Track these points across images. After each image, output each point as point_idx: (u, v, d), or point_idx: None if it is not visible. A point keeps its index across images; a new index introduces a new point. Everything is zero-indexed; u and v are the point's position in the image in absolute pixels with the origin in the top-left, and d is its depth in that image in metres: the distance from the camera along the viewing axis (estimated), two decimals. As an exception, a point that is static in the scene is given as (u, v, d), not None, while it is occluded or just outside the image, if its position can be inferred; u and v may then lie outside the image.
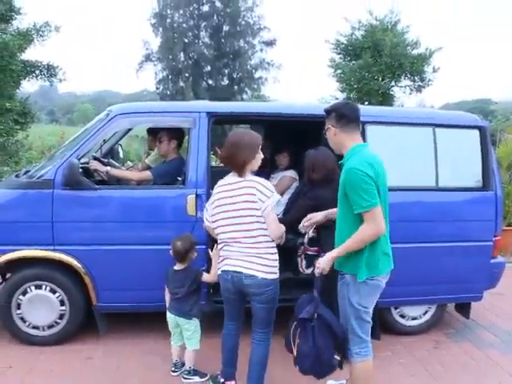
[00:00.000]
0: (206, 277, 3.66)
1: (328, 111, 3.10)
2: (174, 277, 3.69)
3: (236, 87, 34.74)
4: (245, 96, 33.73)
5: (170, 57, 33.39)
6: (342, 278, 3.07)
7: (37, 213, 3.89)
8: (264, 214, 3.01)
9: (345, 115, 3.02)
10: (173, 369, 3.73)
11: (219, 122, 4.48)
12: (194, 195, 3.94)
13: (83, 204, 3.93)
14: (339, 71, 12.10)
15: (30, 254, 3.92)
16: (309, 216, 3.63)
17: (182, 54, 33.68)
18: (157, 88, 35.57)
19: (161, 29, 33.54)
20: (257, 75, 34.88)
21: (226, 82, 34.64)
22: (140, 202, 4.01)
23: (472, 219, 4.40)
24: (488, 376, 3.92)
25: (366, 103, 11.71)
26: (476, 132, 4.44)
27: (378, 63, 11.50)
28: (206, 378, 3.63)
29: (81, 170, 3.98)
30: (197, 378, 3.64)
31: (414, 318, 4.56)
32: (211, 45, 33.47)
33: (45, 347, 4.05)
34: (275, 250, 3.15)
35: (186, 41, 33.47)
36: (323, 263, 2.94)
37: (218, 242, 3.26)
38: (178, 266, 3.68)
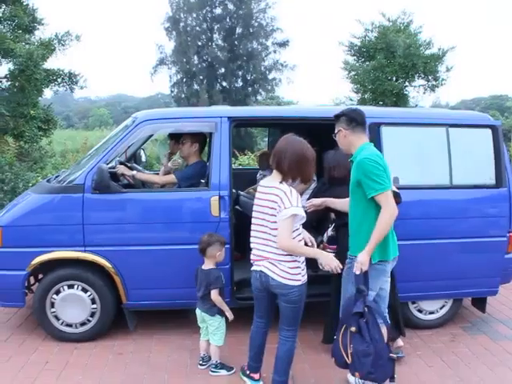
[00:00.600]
0: (214, 294, 3.77)
1: (338, 116, 3.42)
2: (198, 275, 3.88)
3: (250, 89, 34.90)
4: (259, 97, 33.88)
5: (184, 60, 33.66)
6: (350, 261, 3.28)
7: (68, 216, 4.10)
8: (277, 220, 3.10)
9: (354, 119, 3.35)
10: (200, 362, 3.92)
11: (239, 125, 4.66)
12: (218, 197, 4.12)
13: (112, 207, 4.14)
14: (353, 73, 12.23)
15: (63, 255, 4.14)
16: (310, 200, 3.86)
17: (195, 56, 33.94)
18: (171, 91, 35.89)
19: (174, 32, 33.85)
20: (270, 76, 35.02)
21: (240, 83, 34.83)
22: (166, 204, 4.21)
23: (486, 216, 4.53)
24: (502, 366, 4.05)
25: (381, 103, 11.81)
26: (488, 131, 4.56)
27: (391, 64, 11.63)
28: (233, 371, 3.81)
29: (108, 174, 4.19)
30: (224, 372, 3.82)
31: (431, 313, 4.69)
32: (224, 47, 33.67)
33: (78, 343, 4.26)
34: (297, 258, 3.19)
35: (200, 44, 33.74)
36: (364, 259, 3.12)
37: (250, 240, 3.36)
38: (204, 266, 3.86)
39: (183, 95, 34.50)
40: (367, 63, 12.15)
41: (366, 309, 3.12)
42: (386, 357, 3.10)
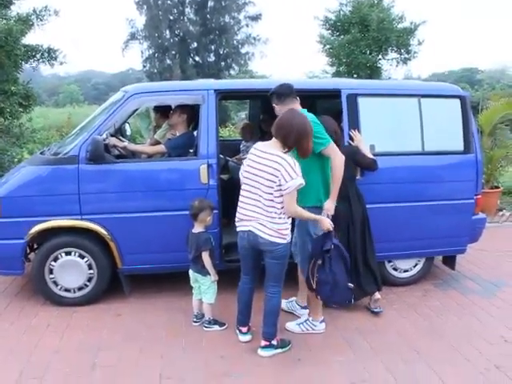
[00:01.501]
0: (204, 255, 4.04)
1: (270, 94, 3.90)
2: (189, 239, 4.14)
3: (223, 63, 34.73)
4: (232, 72, 33.79)
5: (156, 34, 33.21)
6: None
7: (64, 186, 4.31)
8: (283, 193, 3.36)
9: (281, 93, 3.85)
10: (194, 319, 4.21)
11: (224, 98, 4.88)
12: (206, 165, 4.37)
13: (106, 177, 4.35)
14: (328, 46, 12.47)
15: (60, 223, 4.35)
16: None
17: (167, 31, 33.51)
18: (143, 66, 35.39)
19: (145, 6, 33.27)
20: (243, 51, 34.85)
21: (212, 58, 34.59)
22: (157, 172, 4.45)
23: (455, 180, 4.89)
24: (470, 315, 4.45)
25: (355, 76, 12.09)
26: (457, 101, 4.89)
27: (365, 38, 11.91)
28: (225, 326, 4.11)
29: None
30: (216, 327, 4.12)
31: (406, 271, 5.06)
32: (197, 21, 33.33)
33: (76, 307, 4.50)
34: (286, 220, 3.48)
35: (171, 18, 33.28)
36: (330, 206, 3.74)
37: (239, 200, 3.60)
38: (194, 229, 4.13)
39: (156, 70, 34.12)
40: (342, 37, 12.39)
41: (332, 246, 3.62)
42: (342, 286, 3.69)
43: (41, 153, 4.96)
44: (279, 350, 3.71)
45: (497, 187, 8.25)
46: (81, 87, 60.16)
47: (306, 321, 4.10)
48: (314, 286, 3.68)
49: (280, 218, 3.45)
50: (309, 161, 3.64)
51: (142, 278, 4.88)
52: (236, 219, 3.64)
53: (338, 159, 3.76)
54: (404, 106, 4.79)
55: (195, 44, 33.84)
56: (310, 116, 3.71)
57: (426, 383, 3.38)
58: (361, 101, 4.64)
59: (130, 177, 4.40)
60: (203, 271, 4.09)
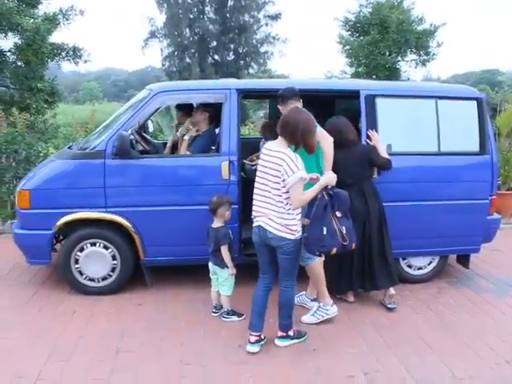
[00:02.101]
0: (223, 249, 4.20)
1: (276, 97, 4.19)
2: (209, 232, 4.30)
3: (242, 62, 34.93)
4: (251, 71, 33.96)
5: (176, 33, 33.54)
6: None
7: (91, 180, 4.50)
8: (287, 187, 3.47)
9: (284, 96, 4.13)
10: (213, 310, 4.37)
11: (245, 97, 5.02)
12: (228, 162, 4.53)
13: (130, 171, 4.53)
14: (348, 47, 12.57)
15: (86, 215, 4.54)
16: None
17: (187, 29, 33.81)
18: (163, 65, 35.78)
19: (165, 5, 33.65)
20: (262, 50, 35.02)
21: (231, 57, 34.81)
22: (180, 168, 4.62)
23: (470, 180, 4.97)
24: (483, 313, 4.54)
25: (374, 77, 12.18)
26: (474, 103, 4.97)
27: (384, 39, 12.00)
28: (243, 317, 4.26)
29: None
30: (235, 318, 4.27)
31: (420, 268, 5.16)
32: (216, 20, 33.58)
33: (100, 296, 4.69)
34: (295, 216, 3.56)
35: (191, 16, 33.56)
36: (329, 178, 3.74)
37: (253, 197, 3.73)
38: (214, 224, 4.28)
39: (175, 69, 34.42)
40: (361, 38, 12.49)
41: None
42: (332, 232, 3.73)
43: (68, 147, 5.16)
44: (295, 341, 3.85)
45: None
46: (100, 84, 60.85)
47: (318, 308, 4.24)
48: (346, 241, 3.70)
49: (288, 213, 3.54)
50: (305, 156, 3.73)
51: (163, 270, 5.04)
52: (252, 216, 3.77)
53: (326, 143, 4.06)
54: (421, 107, 4.88)
55: (214, 43, 34.09)
56: None
57: (438, 376, 3.48)
58: (379, 101, 4.75)
59: (153, 172, 4.57)
60: (222, 264, 4.24)
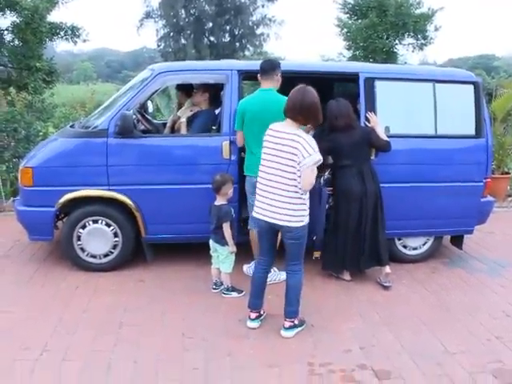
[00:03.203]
0: (225, 226, 4.27)
1: None
2: (211, 210, 4.38)
3: (238, 44, 34.76)
4: (247, 53, 33.81)
5: (171, 14, 33.25)
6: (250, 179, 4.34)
7: (93, 158, 4.55)
8: (301, 169, 3.41)
9: (261, 68, 4.35)
10: (213, 287, 4.47)
11: (247, 78, 5.07)
12: (229, 141, 4.59)
13: (132, 150, 4.59)
14: (345, 30, 12.57)
15: (89, 193, 4.60)
16: None
17: (183, 10, 33.54)
18: (158, 45, 35.54)
19: (161, -15, 33.31)
20: (258, 32, 34.87)
21: (227, 38, 34.63)
22: (181, 147, 4.69)
23: (465, 163, 5.06)
24: (475, 292, 4.68)
25: (371, 61, 12.21)
26: (471, 87, 5.05)
27: (383, 22, 12.01)
28: (242, 293, 4.36)
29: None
30: (234, 294, 4.37)
31: (415, 248, 5.28)
32: (212, 1, 33.28)
33: (102, 273, 4.78)
34: (304, 201, 3.55)
35: (187, -3, 33.28)
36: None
37: (258, 180, 3.67)
38: (216, 202, 4.36)
39: (170, 50, 34.20)
40: (360, 21, 12.49)
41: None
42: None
43: (70, 126, 5.20)
44: (299, 329, 3.79)
45: (507, 173, 8.39)
46: (94, 65, 60.31)
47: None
48: None
49: (300, 198, 3.50)
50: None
51: (162, 248, 5.12)
52: (255, 206, 3.71)
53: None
54: (419, 90, 4.95)
55: (210, 24, 33.87)
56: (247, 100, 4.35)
57: (431, 350, 3.60)
58: (378, 84, 4.81)
59: (155, 151, 4.63)
60: (222, 241, 4.33)
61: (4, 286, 4.56)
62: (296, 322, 3.78)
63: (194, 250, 5.11)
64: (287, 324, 3.76)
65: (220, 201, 4.35)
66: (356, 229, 4.50)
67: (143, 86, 4.63)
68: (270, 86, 4.34)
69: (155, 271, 4.88)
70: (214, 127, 4.86)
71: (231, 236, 4.32)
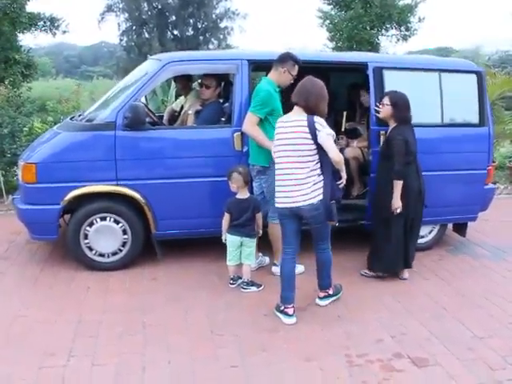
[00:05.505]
0: (259, 217, 4.29)
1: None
2: (240, 205, 4.22)
3: (201, 37, 34.34)
4: (211, 46, 33.45)
5: (134, 7, 32.53)
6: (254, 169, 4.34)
7: (101, 152, 4.37)
8: (321, 141, 3.53)
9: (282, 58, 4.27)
10: (231, 282, 4.36)
11: (256, 68, 4.97)
12: (240, 133, 4.48)
13: (141, 143, 4.43)
14: (328, 21, 12.58)
15: (96, 189, 4.43)
16: None
17: (145, 3, 32.85)
18: (120, 40, 34.72)
19: (122, -23, 32.55)
20: (222, 25, 34.51)
21: (191, 32, 34.16)
22: (192, 140, 4.55)
23: (470, 151, 5.14)
24: (485, 277, 4.78)
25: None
26: (474, 76, 5.12)
27: (368, 14, 12.08)
28: (262, 287, 4.29)
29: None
30: (254, 288, 4.29)
31: (422, 237, 5.29)
32: (175, -7, 32.75)
33: (112, 272, 4.60)
34: (321, 178, 3.64)
35: (150, -11, 32.63)
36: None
37: (276, 173, 3.75)
38: (240, 195, 4.24)
39: (133, 44, 33.47)
40: (344, 12, 12.51)
41: None
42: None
43: (70, 119, 4.99)
44: (334, 298, 4.07)
45: (493, 161, 8.54)
46: (52, 60, 58.53)
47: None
48: None
49: (319, 175, 3.63)
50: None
51: (168, 244, 4.96)
52: (276, 198, 3.77)
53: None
54: (425, 79, 4.98)
55: (174, 17, 33.28)
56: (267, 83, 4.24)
57: (459, 336, 3.63)
58: (386, 74, 4.81)
59: (164, 144, 4.49)
60: (253, 234, 4.26)
61: (10, 288, 4.35)
62: (330, 291, 4.05)
63: (201, 245, 5.00)
64: (321, 294, 4.03)
65: (245, 194, 4.25)
66: (404, 228, 4.52)
67: (151, 76, 4.46)
68: (271, 76, 4.29)
69: (166, 268, 4.74)
70: (222, 119, 4.74)
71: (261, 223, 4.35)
